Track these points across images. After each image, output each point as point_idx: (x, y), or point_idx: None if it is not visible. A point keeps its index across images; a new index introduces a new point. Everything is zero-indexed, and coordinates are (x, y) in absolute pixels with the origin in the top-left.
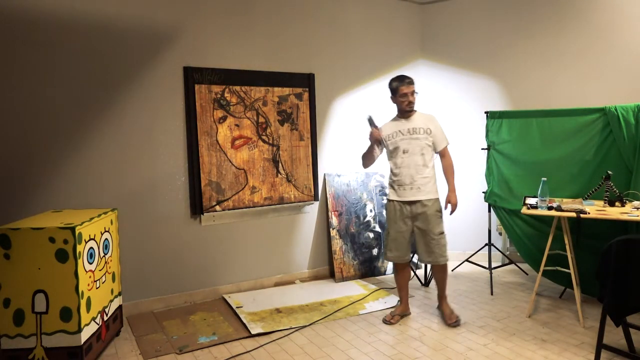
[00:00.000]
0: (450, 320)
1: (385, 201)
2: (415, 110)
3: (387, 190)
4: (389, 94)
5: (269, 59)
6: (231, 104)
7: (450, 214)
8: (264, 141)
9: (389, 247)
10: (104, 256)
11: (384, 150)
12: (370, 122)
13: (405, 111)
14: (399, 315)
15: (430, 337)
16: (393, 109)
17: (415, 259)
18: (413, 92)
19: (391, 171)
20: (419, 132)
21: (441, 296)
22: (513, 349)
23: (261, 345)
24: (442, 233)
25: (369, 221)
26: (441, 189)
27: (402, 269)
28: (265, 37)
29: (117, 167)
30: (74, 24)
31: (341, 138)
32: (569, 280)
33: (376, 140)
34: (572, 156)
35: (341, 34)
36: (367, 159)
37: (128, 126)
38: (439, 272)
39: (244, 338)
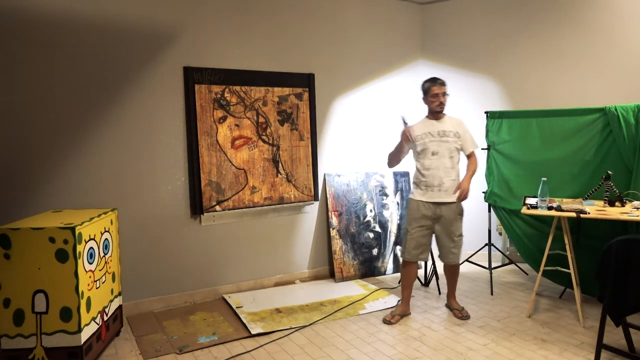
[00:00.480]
0: (462, 314)
1: (409, 198)
2: (445, 114)
3: (412, 190)
4: (421, 94)
5: (269, 59)
6: (231, 104)
7: (457, 199)
8: (264, 141)
9: (409, 245)
10: (104, 256)
11: (410, 150)
12: (404, 121)
13: (435, 112)
14: (399, 315)
15: (430, 337)
16: (392, 110)
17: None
18: (444, 94)
19: (418, 171)
20: (448, 135)
21: (452, 293)
22: (513, 349)
23: (261, 345)
24: (462, 235)
25: (369, 221)
26: None
27: (412, 268)
28: (266, 37)
29: (117, 167)
30: (74, 24)
31: (341, 138)
32: (569, 280)
33: (407, 139)
34: (572, 156)
35: (341, 34)
36: (395, 158)
37: (128, 126)
38: (454, 271)
39: (244, 338)
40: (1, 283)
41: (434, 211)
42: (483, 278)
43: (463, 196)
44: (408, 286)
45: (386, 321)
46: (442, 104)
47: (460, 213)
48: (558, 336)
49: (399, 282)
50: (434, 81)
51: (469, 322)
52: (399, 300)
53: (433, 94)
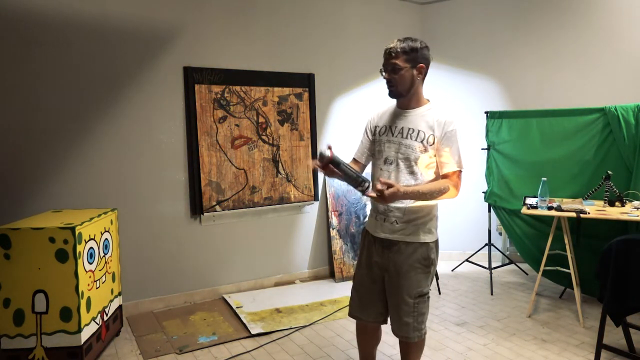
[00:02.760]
0: None
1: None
2: (428, 101)
3: None
4: None
5: (269, 58)
6: (231, 104)
7: (375, 193)
8: (264, 141)
9: (351, 296)
10: (104, 256)
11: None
12: (321, 157)
13: (391, 95)
14: None
15: (430, 337)
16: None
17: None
18: (395, 68)
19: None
20: (412, 137)
21: None
22: (513, 349)
23: (261, 345)
24: (422, 296)
25: None
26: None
27: (362, 331)
28: (265, 37)
29: (117, 167)
30: (74, 24)
31: (341, 138)
32: (569, 280)
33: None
34: (572, 156)
35: (341, 34)
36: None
37: (128, 126)
38: (406, 353)
39: (244, 338)
40: (1, 283)
41: (381, 252)
42: (483, 278)
43: (381, 194)
44: (365, 357)
45: None
46: (390, 85)
47: (424, 260)
48: (558, 336)
49: None
50: (385, 51)
51: (469, 322)
52: None
53: (381, 69)
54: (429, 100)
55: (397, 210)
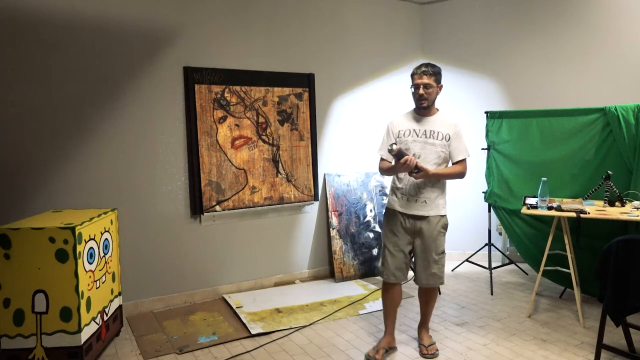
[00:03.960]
0: (429, 352)
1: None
2: (438, 110)
3: (388, 196)
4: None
5: (269, 59)
6: (231, 104)
7: (404, 162)
8: (264, 141)
9: (386, 263)
10: (104, 256)
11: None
12: (400, 154)
13: (419, 107)
14: (383, 348)
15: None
16: (392, 110)
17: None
18: (427, 86)
19: (396, 175)
20: (436, 137)
21: (425, 323)
22: (513, 349)
23: (261, 345)
24: (444, 252)
25: (369, 221)
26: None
27: (394, 290)
28: (265, 37)
29: (117, 167)
30: (74, 24)
31: (341, 138)
32: (569, 280)
33: (415, 164)
34: (572, 156)
35: (341, 34)
36: (389, 174)
37: (128, 126)
38: (431, 296)
39: (244, 338)
40: (1, 283)
41: (412, 224)
42: (483, 278)
43: (411, 165)
44: (390, 314)
45: (369, 357)
46: (423, 99)
47: (444, 227)
48: (558, 336)
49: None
50: (417, 69)
51: (469, 322)
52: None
53: (414, 85)
54: (438, 109)
55: (425, 195)
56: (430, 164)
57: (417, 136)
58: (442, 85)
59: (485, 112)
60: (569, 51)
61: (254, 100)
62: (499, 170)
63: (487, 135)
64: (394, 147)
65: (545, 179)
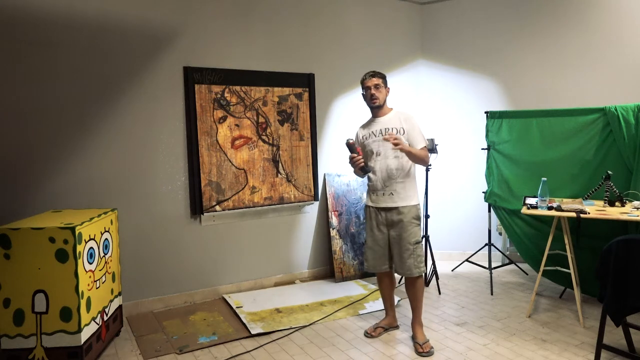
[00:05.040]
0: (424, 350)
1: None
2: (392, 109)
3: (366, 194)
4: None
5: (269, 59)
6: (231, 104)
7: (390, 140)
8: (264, 141)
9: (366, 256)
10: (104, 256)
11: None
12: (351, 147)
13: (372, 108)
14: (382, 327)
15: (430, 337)
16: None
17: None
18: (377, 86)
19: (367, 173)
20: (391, 133)
21: (417, 318)
22: (513, 349)
23: (261, 345)
24: (418, 243)
25: None
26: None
27: (382, 279)
28: (266, 37)
29: (117, 167)
30: (74, 24)
31: (341, 138)
32: (569, 280)
33: (360, 166)
34: (572, 156)
35: (341, 34)
36: (359, 174)
37: (128, 126)
38: (413, 287)
39: (244, 338)
40: (1, 283)
41: (385, 217)
42: (483, 278)
43: (356, 162)
44: (386, 298)
45: (367, 334)
46: (374, 98)
47: (416, 217)
48: (558, 336)
49: (399, 282)
50: (366, 75)
51: (469, 322)
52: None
53: (365, 87)
54: (392, 108)
55: (391, 187)
56: (391, 158)
57: (375, 136)
58: (389, 89)
59: (485, 112)
60: (569, 51)
61: (254, 100)
62: (499, 170)
63: (487, 135)
64: (349, 140)
65: (545, 179)
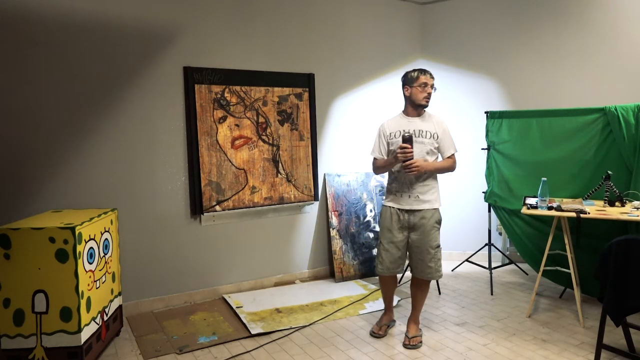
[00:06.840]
0: (410, 343)
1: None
2: (424, 110)
3: (385, 194)
4: (404, 84)
5: (269, 59)
6: (231, 104)
7: (402, 159)
8: (264, 141)
9: (381, 258)
10: (104, 256)
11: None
12: (409, 140)
13: (419, 105)
14: (385, 325)
15: (430, 337)
16: (392, 110)
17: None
18: (432, 86)
19: (390, 173)
20: (425, 136)
21: (415, 316)
22: (513, 349)
23: (261, 345)
24: (439, 247)
25: (369, 221)
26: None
27: (388, 280)
28: (266, 37)
29: (117, 167)
30: (74, 24)
31: (341, 138)
32: (569, 280)
33: (409, 159)
34: (572, 156)
35: (341, 34)
36: (383, 170)
37: (128, 126)
38: (423, 288)
39: (244, 338)
40: (1, 283)
41: (407, 219)
42: (483, 278)
43: (409, 164)
44: (388, 296)
45: (374, 333)
46: (429, 98)
47: (438, 222)
48: (558, 336)
49: (399, 282)
50: (424, 71)
51: (469, 322)
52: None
53: (421, 83)
54: (425, 110)
55: (416, 190)
56: (419, 161)
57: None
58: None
59: (485, 112)
60: (568, 51)
61: (254, 100)
62: (499, 170)
63: (487, 135)
64: (405, 135)
65: (545, 179)
